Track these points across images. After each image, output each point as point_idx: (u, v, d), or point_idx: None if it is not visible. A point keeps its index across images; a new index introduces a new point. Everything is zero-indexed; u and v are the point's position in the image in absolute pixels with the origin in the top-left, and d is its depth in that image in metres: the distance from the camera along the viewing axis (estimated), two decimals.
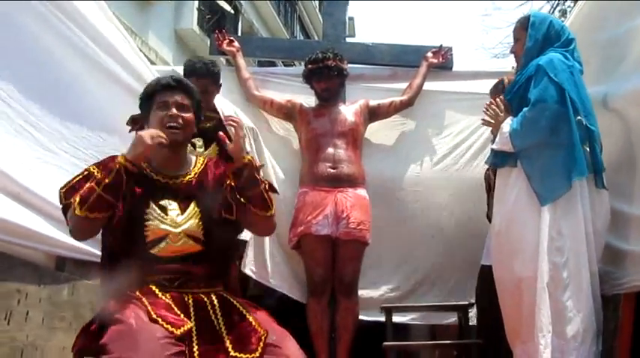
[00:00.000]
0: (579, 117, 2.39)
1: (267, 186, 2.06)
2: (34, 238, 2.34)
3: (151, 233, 1.91)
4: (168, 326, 1.65)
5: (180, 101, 2.02)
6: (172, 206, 1.96)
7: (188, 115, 2.03)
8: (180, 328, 1.67)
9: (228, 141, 2.00)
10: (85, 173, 1.96)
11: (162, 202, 1.95)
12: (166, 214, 1.93)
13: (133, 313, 1.68)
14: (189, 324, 1.72)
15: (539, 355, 2.28)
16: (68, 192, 1.91)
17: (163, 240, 1.91)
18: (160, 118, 1.98)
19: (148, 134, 1.87)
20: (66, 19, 2.63)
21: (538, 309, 2.30)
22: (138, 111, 2.13)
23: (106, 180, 1.81)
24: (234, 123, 2.07)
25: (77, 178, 1.95)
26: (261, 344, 1.75)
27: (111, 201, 1.84)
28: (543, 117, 2.43)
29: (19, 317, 2.33)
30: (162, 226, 1.92)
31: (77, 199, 1.83)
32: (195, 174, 2.05)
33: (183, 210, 1.96)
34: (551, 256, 2.33)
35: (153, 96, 2.04)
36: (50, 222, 2.40)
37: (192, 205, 1.99)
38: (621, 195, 2.58)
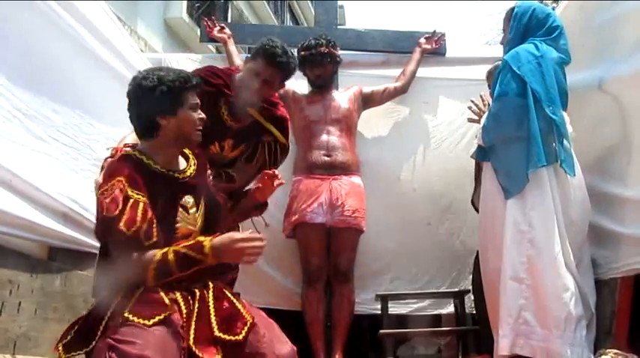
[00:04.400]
0: (545, 111, 2.39)
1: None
2: (26, 227, 2.31)
3: (180, 234, 1.87)
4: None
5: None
6: (190, 202, 1.92)
7: None
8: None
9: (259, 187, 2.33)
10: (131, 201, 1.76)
11: (183, 201, 1.91)
12: (188, 213, 1.91)
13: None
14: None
15: (497, 344, 2.34)
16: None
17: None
18: (194, 121, 1.91)
19: (250, 257, 1.78)
20: (55, 6, 2.58)
21: (500, 300, 2.36)
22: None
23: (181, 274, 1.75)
24: (281, 182, 2.37)
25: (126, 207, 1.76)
26: (246, 328, 1.74)
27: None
28: (504, 111, 2.48)
29: (12, 308, 2.31)
30: (189, 226, 1.90)
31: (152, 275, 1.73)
32: (192, 167, 1.99)
33: (197, 206, 1.94)
34: (525, 249, 2.36)
35: (181, 93, 1.88)
36: (42, 210, 2.37)
37: (201, 199, 1.95)
38: (616, 178, 2.58)
